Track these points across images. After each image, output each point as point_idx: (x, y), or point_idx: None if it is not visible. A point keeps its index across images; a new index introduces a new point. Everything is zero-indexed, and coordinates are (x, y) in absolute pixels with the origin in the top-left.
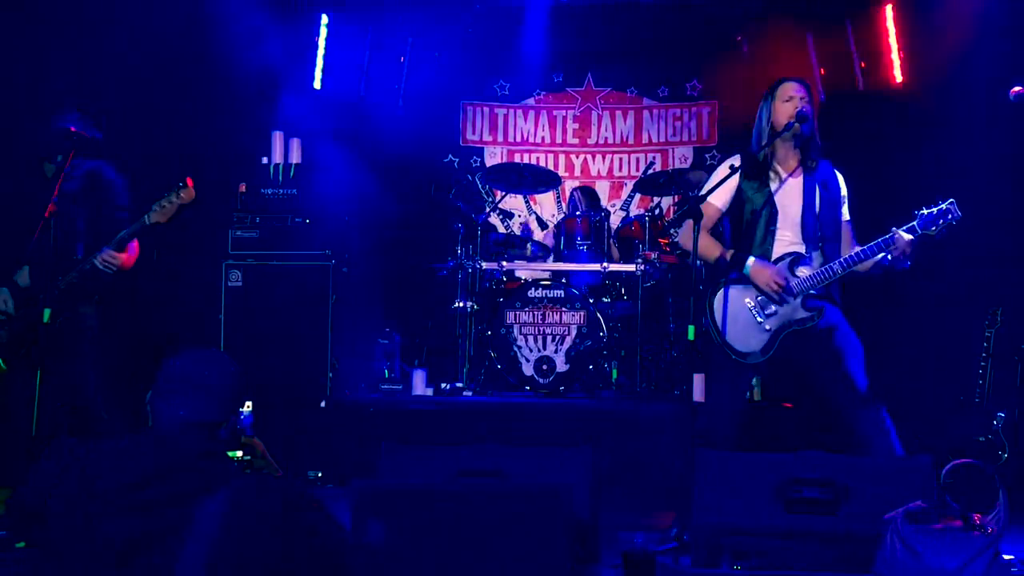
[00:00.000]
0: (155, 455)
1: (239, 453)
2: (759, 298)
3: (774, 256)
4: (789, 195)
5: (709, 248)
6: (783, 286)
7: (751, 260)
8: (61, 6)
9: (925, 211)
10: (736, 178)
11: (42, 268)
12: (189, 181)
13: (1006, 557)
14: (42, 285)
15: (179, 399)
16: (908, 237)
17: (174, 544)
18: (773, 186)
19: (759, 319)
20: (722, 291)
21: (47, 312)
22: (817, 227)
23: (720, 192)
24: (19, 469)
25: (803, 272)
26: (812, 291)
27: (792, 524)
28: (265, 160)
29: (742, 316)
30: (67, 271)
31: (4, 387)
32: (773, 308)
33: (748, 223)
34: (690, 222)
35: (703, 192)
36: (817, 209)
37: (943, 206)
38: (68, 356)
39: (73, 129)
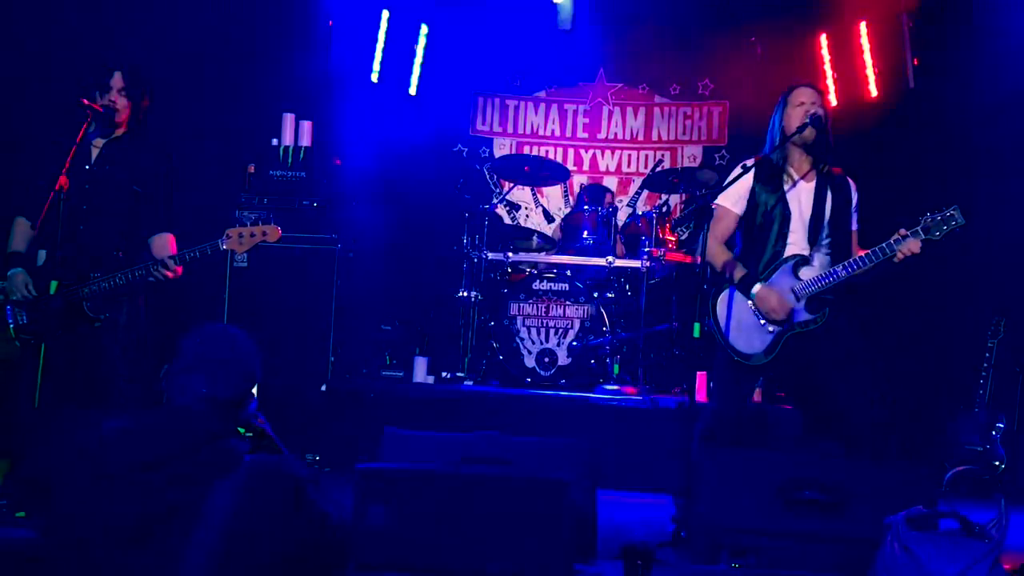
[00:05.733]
0: (170, 434)
1: (242, 430)
2: None
3: (785, 256)
4: (801, 199)
5: (718, 256)
6: (784, 318)
7: (758, 287)
8: None
9: (930, 216)
10: (749, 182)
11: (55, 249)
12: (278, 231)
13: (1006, 567)
14: (56, 268)
15: (200, 376)
16: (915, 242)
17: (187, 523)
18: (786, 189)
19: (762, 321)
20: (726, 292)
21: (54, 284)
22: (827, 232)
23: (734, 197)
24: (20, 440)
25: (807, 275)
26: (816, 294)
27: (792, 524)
28: (275, 142)
29: (745, 318)
30: (107, 268)
31: (10, 359)
32: None
33: (761, 226)
34: (706, 226)
35: (712, 193)
36: (828, 214)
37: (948, 212)
38: (102, 349)
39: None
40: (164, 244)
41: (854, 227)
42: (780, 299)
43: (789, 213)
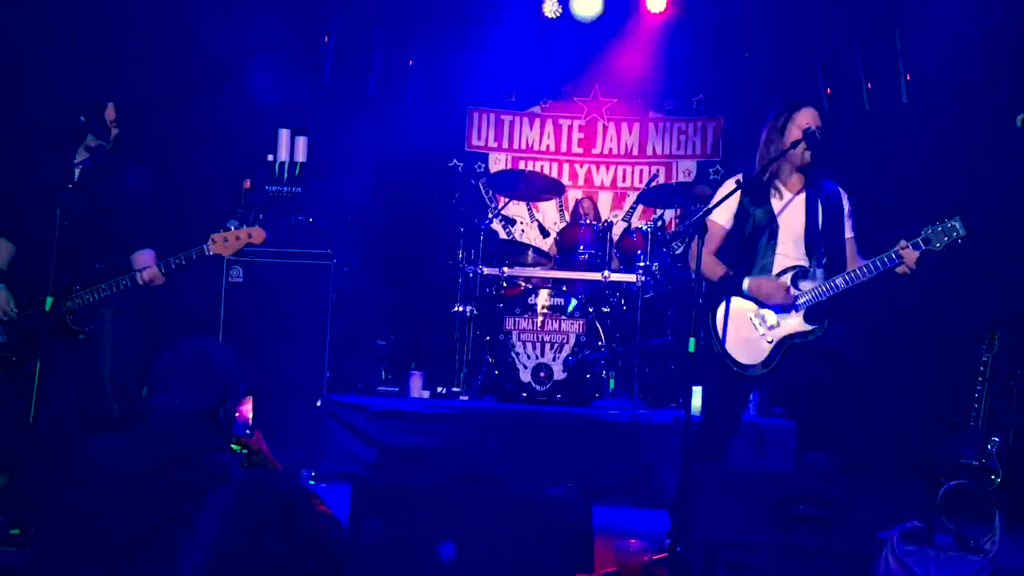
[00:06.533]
0: (157, 448)
1: (236, 446)
2: (761, 310)
3: (775, 271)
4: (791, 212)
5: (712, 269)
6: (784, 295)
7: (747, 280)
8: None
9: (931, 227)
10: (738, 195)
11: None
12: (262, 232)
13: None
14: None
15: (174, 390)
16: (915, 254)
17: (178, 538)
18: (775, 203)
19: (761, 331)
20: (725, 303)
21: (49, 300)
22: (819, 243)
23: (724, 210)
24: (15, 458)
25: (806, 286)
26: (815, 304)
27: (787, 539)
28: (271, 157)
29: (744, 328)
30: (89, 281)
31: (2, 376)
32: (775, 320)
33: (750, 240)
34: (700, 241)
35: (707, 208)
36: (820, 226)
37: (950, 223)
38: (89, 363)
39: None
40: (145, 260)
41: (849, 235)
42: (775, 283)
43: (777, 227)
